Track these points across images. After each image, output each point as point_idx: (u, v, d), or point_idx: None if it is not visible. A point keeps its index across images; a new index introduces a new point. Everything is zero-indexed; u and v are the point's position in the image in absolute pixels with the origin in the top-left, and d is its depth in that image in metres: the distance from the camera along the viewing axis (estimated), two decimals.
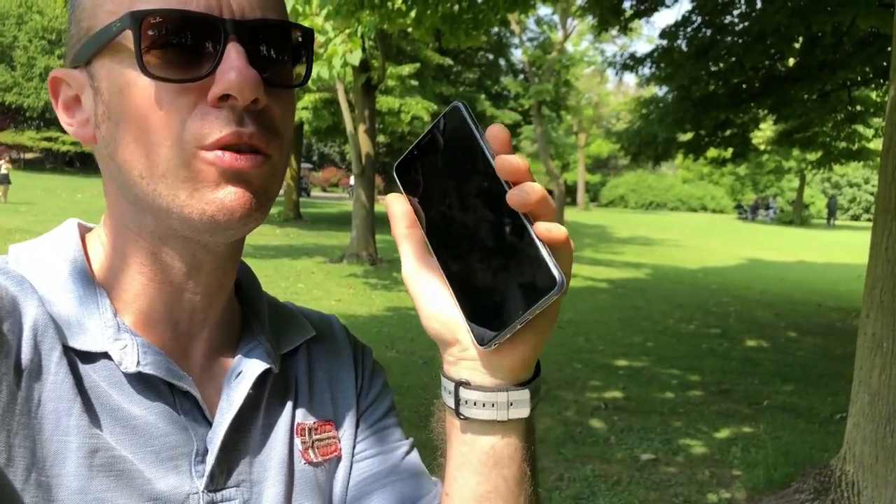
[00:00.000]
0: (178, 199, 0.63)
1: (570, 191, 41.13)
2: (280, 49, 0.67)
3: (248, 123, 0.62)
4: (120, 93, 0.64)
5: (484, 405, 0.63)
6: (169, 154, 0.62)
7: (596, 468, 4.87)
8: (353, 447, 0.81)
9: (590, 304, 11.66)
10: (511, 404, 0.63)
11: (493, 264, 0.59)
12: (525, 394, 0.63)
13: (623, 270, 16.69)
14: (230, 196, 0.63)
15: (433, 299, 0.64)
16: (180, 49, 0.62)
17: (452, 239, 0.62)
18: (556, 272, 0.56)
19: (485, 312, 0.60)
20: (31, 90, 39.24)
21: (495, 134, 0.61)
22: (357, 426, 0.82)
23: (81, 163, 41.45)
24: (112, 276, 0.70)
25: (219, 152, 0.62)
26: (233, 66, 0.61)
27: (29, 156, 40.29)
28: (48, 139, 38.86)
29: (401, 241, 0.66)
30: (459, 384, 0.64)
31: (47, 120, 40.36)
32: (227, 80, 0.60)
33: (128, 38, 0.62)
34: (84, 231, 0.74)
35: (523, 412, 0.64)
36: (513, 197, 0.58)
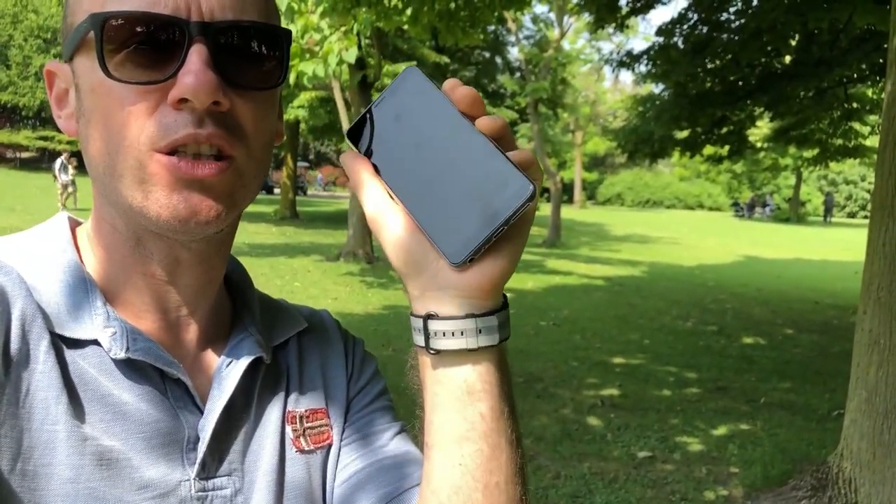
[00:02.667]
0: (136, 199, 0.64)
1: (567, 189, 41.15)
2: (252, 50, 0.66)
3: (207, 125, 0.62)
4: (91, 91, 0.65)
5: (453, 334, 0.62)
6: (126, 154, 0.63)
7: (593, 465, 4.86)
8: (343, 432, 0.81)
9: (586, 302, 11.67)
10: (480, 331, 0.62)
11: (465, 189, 0.62)
12: (493, 320, 0.62)
13: (620, 268, 16.71)
14: (183, 203, 0.63)
15: (399, 233, 0.63)
16: (144, 51, 0.62)
17: (419, 178, 0.64)
18: (527, 179, 0.59)
19: (458, 234, 0.61)
20: (27, 89, 39.12)
21: (453, 86, 0.64)
22: (347, 411, 0.82)
23: (77, 162, 41.36)
24: (100, 268, 0.71)
25: (174, 158, 0.62)
26: (190, 70, 0.60)
27: (25, 155, 40.18)
28: (44, 138, 38.75)
29: (364, 187, 0.65)
30: (427, 317, 0.63)
31: (43, 119, 40.25)
32: (184, 84, 0.60)
33: (93, 37, 0.62)
34: (74, 225, 0.75)
35: (493, 339, 0.62)
36: (485, 121, 0.62)
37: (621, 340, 8.96)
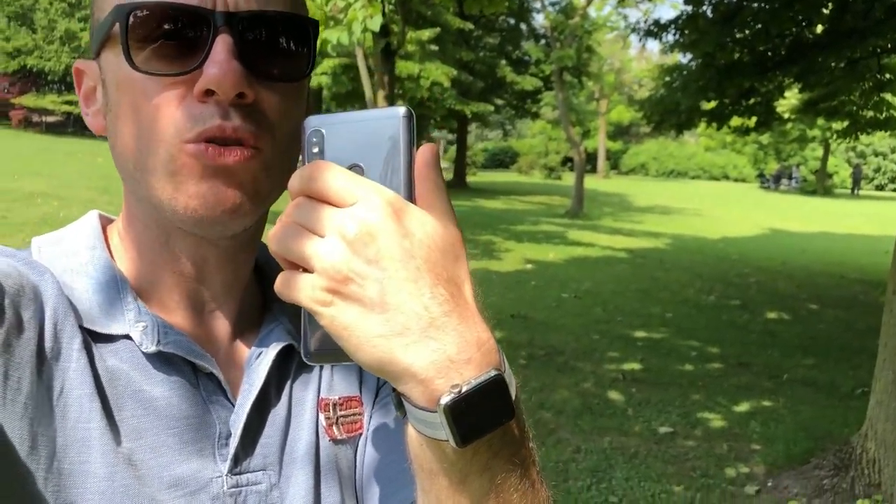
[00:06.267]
0: (166, 192, 0.63)
1: (591, 158, 40.81)
2: (278, 41, 0.65)
3: (233, 117, 0.62)
4: (117, 86, 0.65)
5: None
6: (156, 148, 0.62)
7: (613, 440, 4.87)
8: (370, 419, 0.79)
9: (608, 274, 11.62)
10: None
11: None
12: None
13: (642, 240, 16.59)
14: (212, 191, 0.63)
15: None
16: (170, 42, 0.61)
17: None
18: (302, 346, 0.57)
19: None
20: (52, 53, 39.28)
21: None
22: (376, 397, 0.80)
23: None
24: (131, 265, 0.72)
25: (202, 145, 0.61)
26: (215, 61, 0.60)
27: (50, 119, 40.43)
28: (69, 103, 38.95)
29: None
30: None
31: (68, 83, 40.38)
32: (209, 74, 0.60)
33: (119, 30, 0.62)
34: (105, 222, 0.76)
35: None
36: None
37: (643, 314, 8.93)
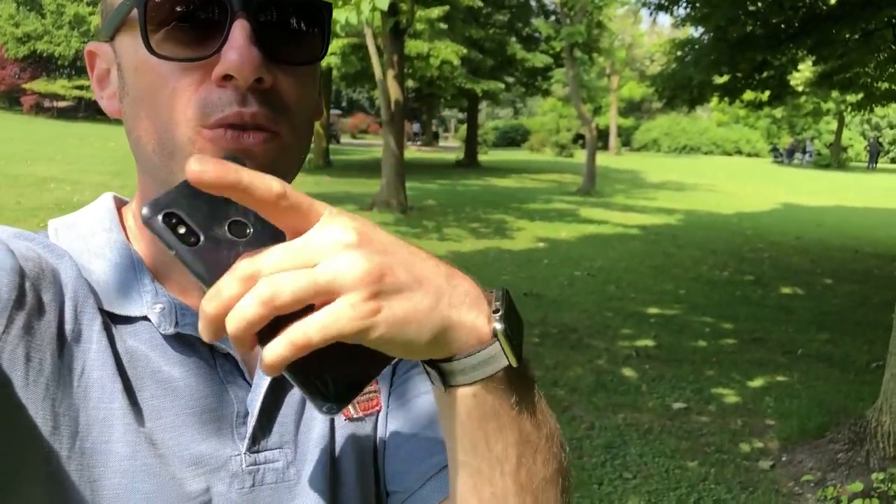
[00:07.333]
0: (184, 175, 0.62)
1: (602, 135, 40.53)
2: (294, 24, 0.66)
3: (251, 103, 0.62)
4: (134, 70, 0.65)
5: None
6: (176, 132, 0.63)
7: (627, 417, 4.88)
8: (389, 397, 0.80)
9: (621, 251, 11.58)
10: None
11: None
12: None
13: (655, 216, 16.51)
14: None
15: None
16: (187, 27, 0.62)
17: None
18: (317, 407, 0.50)
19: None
20: (62, 38, 39.30)
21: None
22: (392, 374, 0.81)
23: None
24: (146, 247, 0.72)
25: (220, 130, 0.62)
26: (234, 46, 0.60)
27: (61, 104, 40.52)
28: (80, 87, 39.01)
29: None
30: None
31: (79, 68, 40.46)
32: (228, 60, 0.60)
33: (136, 15, 0.62)
34: (120, 204, 0.77)
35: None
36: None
37: (656, 291, 8.91)
